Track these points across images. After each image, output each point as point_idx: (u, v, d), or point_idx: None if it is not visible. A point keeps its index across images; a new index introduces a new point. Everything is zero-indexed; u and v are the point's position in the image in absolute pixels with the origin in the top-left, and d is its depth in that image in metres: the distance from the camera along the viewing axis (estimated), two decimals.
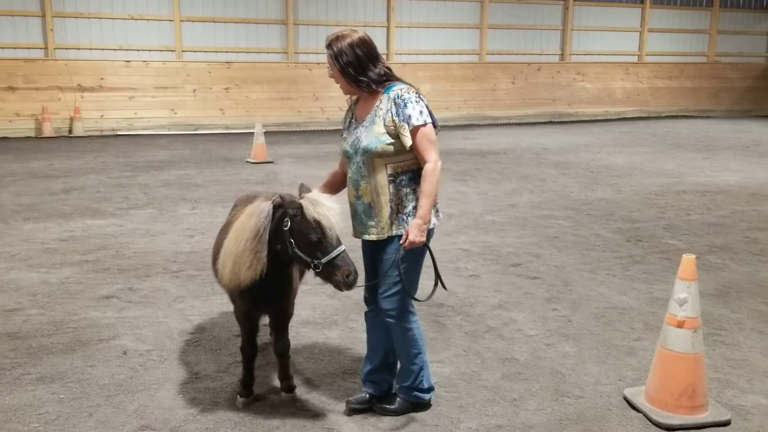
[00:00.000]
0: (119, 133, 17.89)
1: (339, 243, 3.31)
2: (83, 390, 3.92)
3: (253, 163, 12.51)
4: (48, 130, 17.21)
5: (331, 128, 19.72)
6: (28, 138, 16.79)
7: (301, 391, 3.90)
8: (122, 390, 3.92)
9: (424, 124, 3.37)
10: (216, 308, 5.17)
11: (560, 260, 6.58)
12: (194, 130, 18.22)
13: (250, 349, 3.74)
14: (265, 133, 13.39)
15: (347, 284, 3.28)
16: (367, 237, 3.52)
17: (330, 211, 3.29)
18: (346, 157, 3.57)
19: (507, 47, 22.48)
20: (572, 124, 20.71)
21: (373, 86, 3.44)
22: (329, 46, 3.43)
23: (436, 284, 3.62)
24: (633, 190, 10.17)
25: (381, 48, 21.81)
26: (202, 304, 5.29)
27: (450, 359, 4.38)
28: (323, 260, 3.27)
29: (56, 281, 5.86)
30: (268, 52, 20.14)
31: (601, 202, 9.30)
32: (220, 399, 3.83)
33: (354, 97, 3.61)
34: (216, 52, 19.32)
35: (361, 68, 3.41)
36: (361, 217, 3.52)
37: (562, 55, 22.87)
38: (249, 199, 3.96)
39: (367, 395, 3.75)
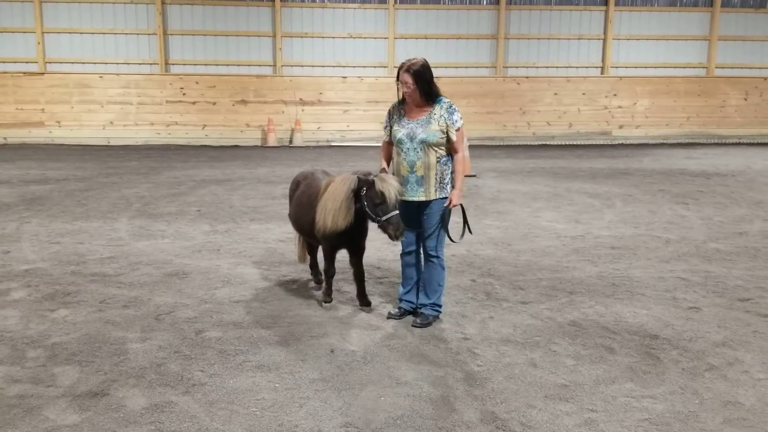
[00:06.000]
0: (333, 144, 19.09)
1: (395, 208, 4.87)
2: (295, 382, 4.18)
3: None
4: (272, 140, 18.91)
5: (536, 143, 19.32)
6: (255, 147, 18.53)
7: (492, 404, 3.82)
8: (329, 386, 4.12)
9: (462, 126, 4.97)
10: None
11: None
12: None
13: (333, 270, 5.55)
14: (469, 146, 13.46)
15: (396, 236, 4.87)
16: (416, 199, 5.01)
17: (391, 187, 4.85)
18: (399, 143, 5.01)
19: (739, 60, 20.51)
20: None
21: (432, 98, 4.93)
22: (408, 69, 4.83)
23: (464, 229, 5.28)
24: None
25: (596, 61, 21.08)
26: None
27: (664, 395, 4.02)
28: (383, 218, 4.88)
29: (275, 278, 6.35)
30: (476, 67, 20.30)
31: None
32: (419, 407, 3.86)
33: (397, 102, 5.10)
34: None
35: (428, 85, 4.87)
36: (412, 185, 5.01)
37: None
38: (307, 176, 5.80)
39: (401, 311, 5.30)
